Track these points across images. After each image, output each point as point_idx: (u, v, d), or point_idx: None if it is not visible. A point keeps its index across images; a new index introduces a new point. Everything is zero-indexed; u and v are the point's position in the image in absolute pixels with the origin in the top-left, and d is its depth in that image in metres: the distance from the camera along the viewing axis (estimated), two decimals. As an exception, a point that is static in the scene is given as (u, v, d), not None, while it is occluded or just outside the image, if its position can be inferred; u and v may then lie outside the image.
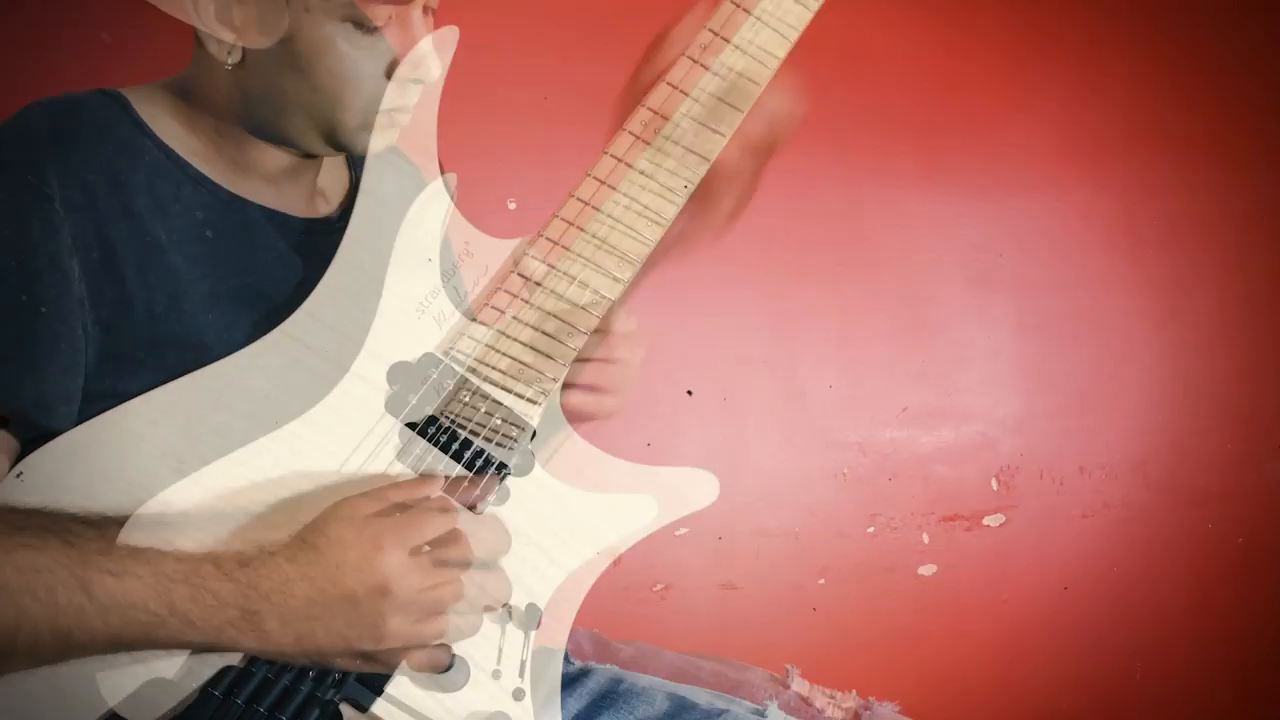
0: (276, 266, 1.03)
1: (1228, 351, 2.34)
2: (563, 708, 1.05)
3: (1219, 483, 2.34)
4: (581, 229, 1.01)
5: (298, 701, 0.89)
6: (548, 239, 1.00)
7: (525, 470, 1.00)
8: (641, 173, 1.01)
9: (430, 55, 1.00)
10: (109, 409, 0.91)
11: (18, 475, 0.88)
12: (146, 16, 1.04)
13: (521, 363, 0.99)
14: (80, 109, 0.98)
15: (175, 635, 0.84)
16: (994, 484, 2.25)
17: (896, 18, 2.15)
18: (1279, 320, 2.35)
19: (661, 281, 1.10)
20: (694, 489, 1.04)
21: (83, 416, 0.92)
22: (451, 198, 1.04)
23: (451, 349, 0.99)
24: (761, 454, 2.15)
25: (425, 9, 1.00)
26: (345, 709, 0.91)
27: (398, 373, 0.97)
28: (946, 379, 2.23)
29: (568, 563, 1.00)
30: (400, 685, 0.93)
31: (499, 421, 0.99)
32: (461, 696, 0.94)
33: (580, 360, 1.03)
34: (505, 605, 0.97)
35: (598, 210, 1.01)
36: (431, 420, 0.97)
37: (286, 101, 0.99)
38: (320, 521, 0.89)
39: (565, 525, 1.00)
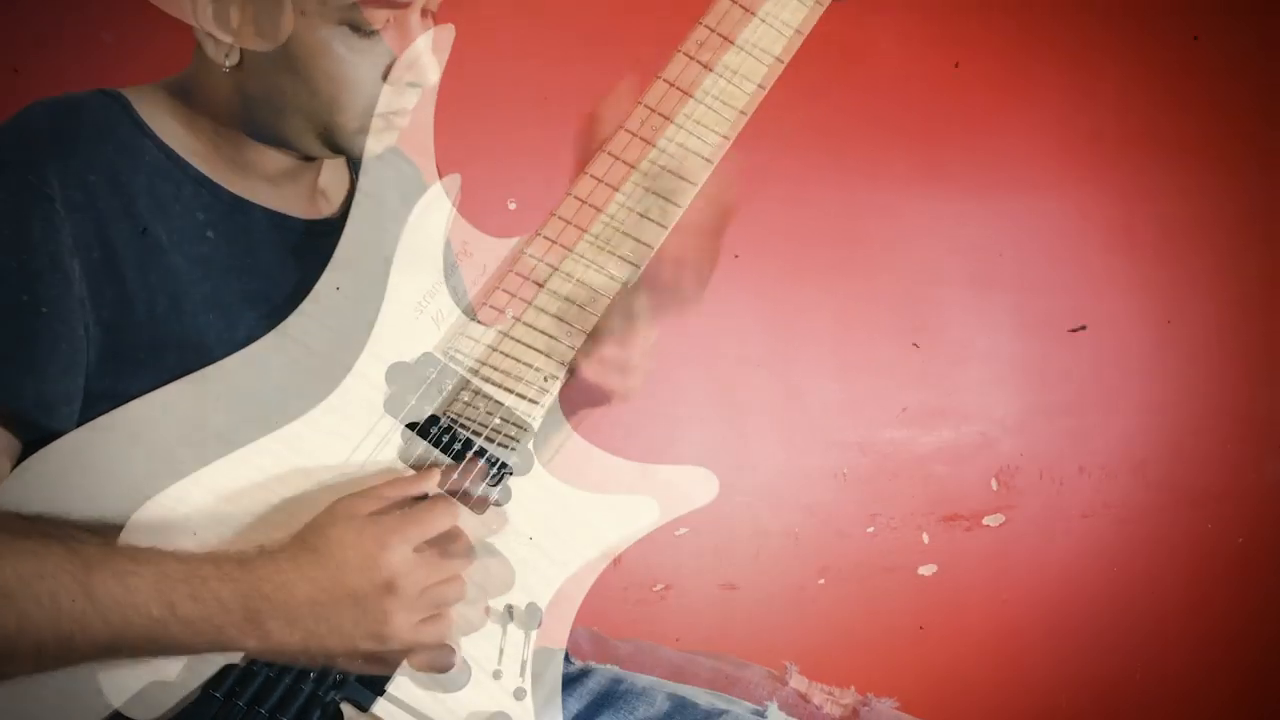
0: (277, 267, 1.03)
1: (1227, 351, 2.34)
2: (563, 708, 1.05)
3: (1219, 483, 2.34)
4: (583, 228, 1.01)
5: (299, 701, 0.90)
6: (546, 238, 1.00)
7: (525, 469, 1.00)
8: (644, 174, 1.01)
9: (426, 59, 0.99)
10: (110, 409, 0.91)
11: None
12: (148, 17, 1.04)
13: (521, 362, 1.00)
14: (81, 109, 0.98)
15: (177, 637, 0.84)
16: (994, 484, 2.25)
17: (894, 20, 2.15)
18: (1278, 320, 2.35)
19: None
20: (693, 487, 1.04)
21: (83, 417, 0.92)
22: (454, 199, 1.04)
23: (450, 349, 0.99)
24: (761, 454, 2.15)
25: (424, 12, 1.00)
26: (346, 708, 0.91)
27: (396, 373, 0.97)
28: (946, 379, 2.23)
29: (568, 562, 1.00)
30: (401, 685, 0.93)
31: (499, 421, 0.99)
32: (462, 696, 0.95)
33: (598, 336, 1.02)
34: (507, 605, 0.97)
35: (597, 209, 1.01)
36: (432, 420, 0.97)
37: (285, 104, 0.99)
38: (319, 522, 0.89)
39: (566, 525, 1.00)
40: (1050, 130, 2.26)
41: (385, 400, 0.97)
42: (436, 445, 0.97)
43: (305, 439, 0.94)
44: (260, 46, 0.96)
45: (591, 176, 1.01)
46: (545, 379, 1.00)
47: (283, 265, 1.03)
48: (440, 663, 0.92)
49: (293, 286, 1.01)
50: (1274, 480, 2.35)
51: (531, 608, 0.98)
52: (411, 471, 0.96)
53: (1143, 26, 2.28)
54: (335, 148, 1.02)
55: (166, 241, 0.96)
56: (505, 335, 1.00)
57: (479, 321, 1.00)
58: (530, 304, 1.00)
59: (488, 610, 0.96)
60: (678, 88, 1.01)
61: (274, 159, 1.04)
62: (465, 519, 0.93)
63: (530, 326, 1.00)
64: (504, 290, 1.00)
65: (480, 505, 0.97)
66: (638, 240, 1.01)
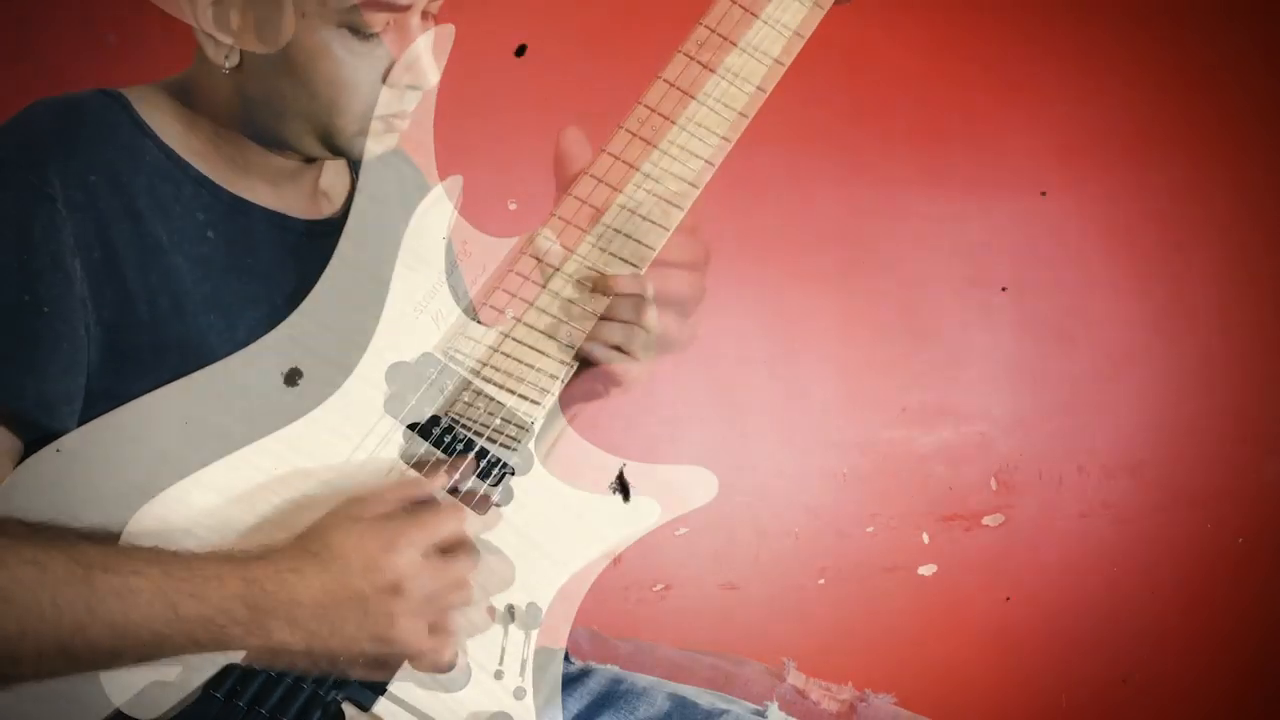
0: (278, 268, 1.03)
1: (1226, 351, 2.34)
2: (563, 707, 1.05)
3: (1219, 483, 2.34)
4: (583, 229, 1.01)
5: (300, 701, 0.90)
6: (547, 237, 1.00)
7: (526, 469, 1.00)
8: (646, 176, 1.01)
9: (426, 61, 0.99)
10: (111, 410, 0.91)
11: (56, 450, 0.89)
12: (150, 17, 1.04)
13: (522, 363, 1.00)
14: (82, 109, 0.98)
15: (179, 637, 0.84)
16: (993, 484, 2.25)
17: (895, 20, 2.15)
18: (1278, 320, 2.35)
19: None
20: (693, 487, 1.05)
21: (84, 417, 0.92)
22: (456, 200, 1.04)
23: (451, 349, 0.99)
24: (761, 454, 2.15)
25: (424, 15, 0.99)
26: (347, 708, 0.91)
27: (396, 373, 0.97)
28: (946, 379, 2.23)
29: (569, 562, 1.00)
30: (402, 685, 0.93)
31: (500, 421, 0.99)
32: (463, 696, 0.95)
33: (607, 319, 1.02)
34: (508, 605, 0.97)
35: (596, 208, 1.01)
36: (433, 421, 0.97)
37: (284, 106, 0.99)
38: (324, 524, 0.89)
39: (566, 525, 1.01)
40: (1050, 130, 2.26)
41: (386, 400, 0.97)
42: (437, 446, 0.97)
43: (306, 439, 0.94)
44: (260, 49, 0.96)
45: (591, 176, 1.01)
46: (546, 379, 1.00)
47: (283, 266, 1.03)
48: (441, 664, 0.92)
49: (293, 287, 1.01)
50: (1274, 480, 2.35)
51: (532, 608, 0.98)
52: (415, 473, 0.96)
53: (1143, 26, 2.28)
54: (335, 150, 1.02)
55: (167, 242, 0.96)
56: (506, 336, 1.00)
57: (479, 321, 1.00)
58: (531, 304, 1.00)
59: (492, 611, 0.96)
60: (678, 88, 1.01)
61: (274, 160, 1.04)
62: (471, 522, 0.93)
63: (531, 327, 1.00)
64: (504, 290, 1.00)
65: (482, 505, 0.97)
66: (639, 243, 1.01)
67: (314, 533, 0.89)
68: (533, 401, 1.00)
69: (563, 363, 1.01)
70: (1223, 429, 2.33)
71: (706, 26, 1.01)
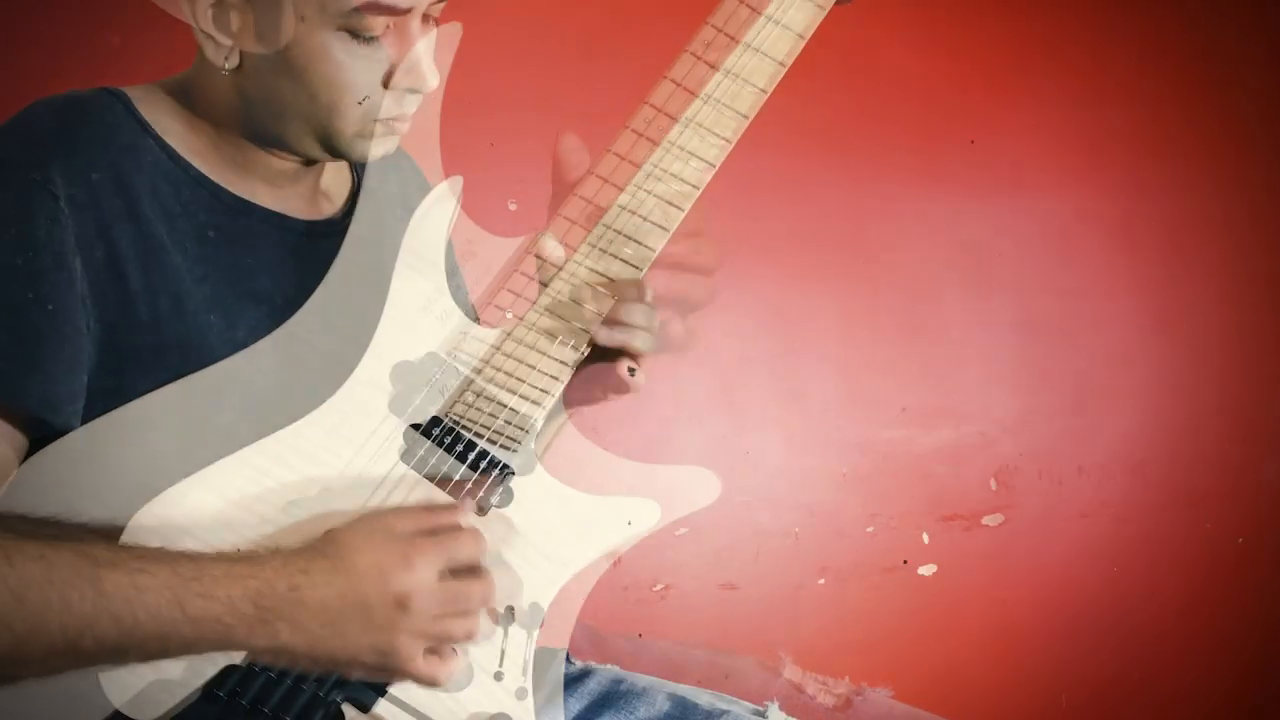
0: (279, 268, 1.03)
1: (1227, 351, 2.34)
2: (564, 708, 1.05)
3: (1218, 483, 2.34)
4: (587, 229, 1.01)
5: (301, 702, 0.90)
6: (552, 237, 1.00)
7: (527, 470, 1.00)
8: (648, 175, 1.01)
9: (426, 65, 0.99)
10: (113, 409, 0.91)
11: (58, 450, 0.89)
12: (151, 17, 1.04)
13: (524, 363, 1.00)
14: (84, 107, 0.98)
15: (185, 637, 0.84)
16: (993, 484, 2.25)
17: (895, 20, 2.15)
18: (1278, 320, 2.35)
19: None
20: (695, 488, 1.04)
21: (86, 416, 0.92)
22: (457, 200, 1.04)
23: (454, 349, 0.99)
24: (761, 454, 2.15)
25: (425, 18, 0.99)
26: (348, 709, 0.91)
27: (400, 373, 0.97)
28: (945, 379, 2.23)
29: (570, 563, 1.00)
30: (403, 685, 0.93)
31: (502, 423, 0.99)
32: (464, 696, 0.95)
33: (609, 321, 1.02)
34: (509, 606, 0.97)
35: (600, 208, 1.01)
36: (435, 421, 0.98)
37: (284, 108, 0.98)
38: (343, 531, 0.89)
39: (568, 526, 1.00)
40: (1050, 130, 2.26)
41: (390, 400, 0.97)
42: (439, 446, 0.97)
43: (308, 439, 0.94)
44: (260, 50, 0.96)
45: (596, 176, 1.01)
46: (548, 380, 1.00)
47: (284, 266, 1.03)
48: (434, 685, 0.92)
49: (294, 287, 1.01)
50: (1274, 480, 2.35)
51: (534, 608, 0.98)
52: (416, 474, 0.96)
53: (1142, 26, 2.28)
54: (334, 152, 1.01)
55: (168, 241, 0.96)
56: (508, 336, 1.00)
57: (483, 322, 1.00)
58: (533, 305, 1.00)
59: (496, 617, 0.96)
60: (685, 88, 1.01)
61: (274, 161, 1.04)
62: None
63: (533, 328, 1.00)
64: (509, 290, 1.00)
65: (482, 502, 0.97)
66: (640, 243, 1.01)
67: (330, 538, 0.89)
68: (534, 402, 1.00)
69: (564, 363, 1.01)
70: (1222, 429, 2.33)
71: (714, 26, 1.01)
